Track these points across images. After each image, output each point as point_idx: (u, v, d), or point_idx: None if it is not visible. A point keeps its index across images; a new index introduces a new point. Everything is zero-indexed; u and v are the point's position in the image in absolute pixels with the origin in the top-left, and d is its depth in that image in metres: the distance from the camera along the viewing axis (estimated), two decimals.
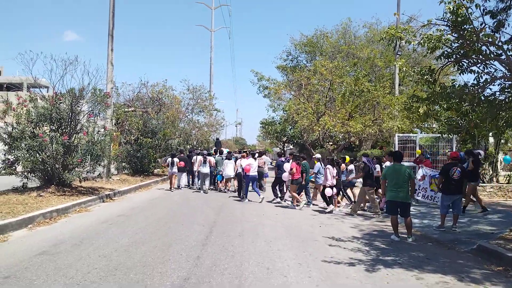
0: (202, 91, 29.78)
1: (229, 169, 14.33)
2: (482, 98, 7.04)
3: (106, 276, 4.76)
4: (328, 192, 10.77)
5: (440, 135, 10.39)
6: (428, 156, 12.75)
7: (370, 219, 9.82)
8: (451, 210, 8.29)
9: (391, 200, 7.41)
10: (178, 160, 15.52)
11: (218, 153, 16.94)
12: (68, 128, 11.07)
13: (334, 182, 11.02)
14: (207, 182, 14.73)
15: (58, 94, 11.08)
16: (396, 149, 14.51)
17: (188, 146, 28.76)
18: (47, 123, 10.85)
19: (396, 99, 17.48)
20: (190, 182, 16.60)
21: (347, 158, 12.29)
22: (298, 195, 11.65)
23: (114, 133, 14.96)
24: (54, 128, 10.94)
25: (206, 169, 14.61)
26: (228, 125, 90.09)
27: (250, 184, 12.67)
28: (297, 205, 11.35)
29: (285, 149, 43.75)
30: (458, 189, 8.17)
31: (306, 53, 30.94)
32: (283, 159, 13.33)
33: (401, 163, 7.68)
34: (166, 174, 20.31)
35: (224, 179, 15.08)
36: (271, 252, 6.13)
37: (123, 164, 18.24)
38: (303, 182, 11.69)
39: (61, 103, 11.05)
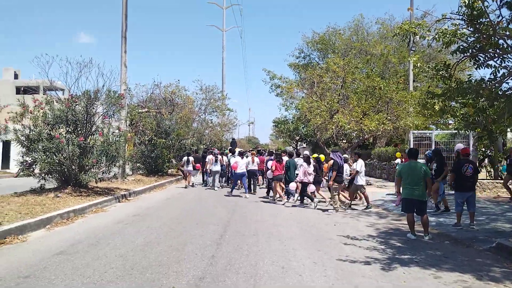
0: (215, 91, 29.95)
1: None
2: (500, 93, 6.89)
3: (123, 276, 4.82)
4: (311, 188, 11.18)
5: (456, 131, 10.19)
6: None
7: (386, 218, 9.73)
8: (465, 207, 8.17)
9: (406, 198, 7.32)
10: (192, 159, 16.53)
11: (231, 152, 17.16)
12: (84, 130, 11.24)
13: (311, 178, 11.31)
14: (217, 179, 15.62)
15: (73, 97, 11.25)
16: (411, 146, 14.31)
17: (202, 146, 28.98)
18: (63, 125, 11.04)
19: (411, 95, 17.25)
20: (204, 180, 17.21)
21: (322, 157, 12.86)
22: (315, 192, 11.77)
23: (129, 134, 15.13)
24: (70, 130, 11.12)
25: (216, 167, 15.57)
26: (241, 124, 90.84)
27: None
28: (279, 201, 11.95)
29: (298, 147, 43.59)
30: (471, 186, 8.04)
31: (319, 50, 30.79)
32: (271, 157, 13.91)
33: (417, 160, 7.58)
34: (180, 174, 20.62)
35: None
36: (285, 251, 6.11)
37: (138, 164, 18.44)
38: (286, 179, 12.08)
39: (76, 105, 11.22)
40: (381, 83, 17.66)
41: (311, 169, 11.39)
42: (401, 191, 7.57)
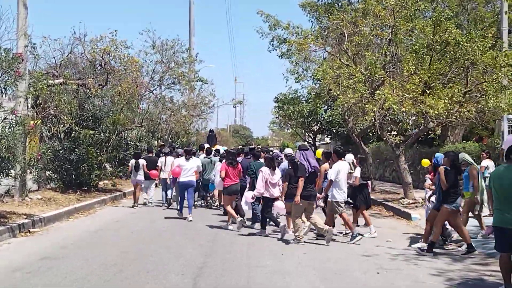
0: (177, 49, 29.78)
1: None
2: None
3: None
4: (278, 207, 11.88)
5: None
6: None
7: (462, 261, 9.76)
8: None
9: (499, 227, 7.36)
10: (145, 163, 16.76)
11: (204, 152, 17.12)
12: None
13: (276, 192, 11.91)
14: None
15: None
16: (506, 139, 14.40)
17: (156, 142, 28.83)
18: None
19: (504, 56, 17.31)
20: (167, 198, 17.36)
21: (318, 152, 13.91)
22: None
23: (32, 122, 14.98)
24: None
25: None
26: (222, 105, 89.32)
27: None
28: (230, 225, 12.77)
29: (317, 143, 43.70)
30: None
31: None
32: (240, 158, 14.52)
33: None
34: (118, 188, 20.56)
35: (217, 191, 15.46)
36: None
37: (48, 173, 18.32)
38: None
39: None
40: (458, 35, 17.68)
41: (276, 177, 12.04)
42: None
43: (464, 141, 23.39)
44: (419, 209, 15.77)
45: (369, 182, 13.61)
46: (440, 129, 23.41)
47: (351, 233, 11.48)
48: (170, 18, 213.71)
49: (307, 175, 11.02)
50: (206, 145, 19.27)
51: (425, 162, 15.45)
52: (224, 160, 13.63)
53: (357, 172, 12.47)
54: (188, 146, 22.99)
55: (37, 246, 10.26)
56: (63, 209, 14.44)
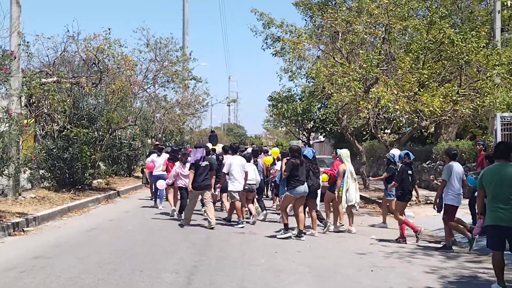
0: (171, 47, 29.75)
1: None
2: None
3: None
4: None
5: None
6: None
7: (456, 258, 9.80)
8: None
9: (492, 225, 7.37)
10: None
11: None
12: None
13: (186, 182, 13.31)
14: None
15: None
16: (499, 138, 14.43)
17: (149, 141, 28.80)
18: None
19: (497, 54, 17.35)
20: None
21: (275, 151, 15.54)
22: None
23: (25, 121, 14.92)
24: None
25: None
26: (216, 103, 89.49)
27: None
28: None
29: (311, 141, 43.76)
30: None
31: None
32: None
33: (509, 161, 7.64)
34: (112, 187, 20.49)
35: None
36: None
37: (41, 172, 18.26)
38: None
39: None
40: (453, 34, 17.72)
41: (186, 170, 13.48)
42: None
43: (458, 139, 23.47)
44: (412, 207, 15.80)
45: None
46: (433, 127, 23.52)
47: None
48: (164, 17, 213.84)
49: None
50: (209, 145, 19.26)
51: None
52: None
53: (278, 166, 14.09)
54: (182, 145, 22.98)
55: (30, 245, 10.23)
56: (57, 208, 14.38)
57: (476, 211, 8.06)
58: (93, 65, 21.49)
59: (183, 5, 37.59)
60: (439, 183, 11.09)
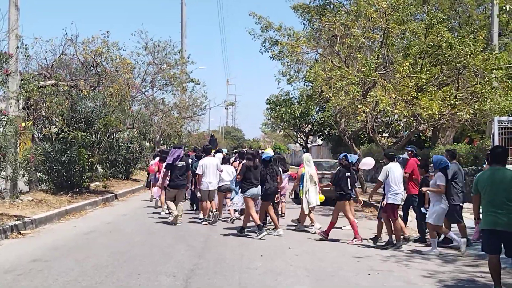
0: (169, 50, 29.77)
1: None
2: None
3: None
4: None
5: None
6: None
7: (453, 262, 9.83)
8: None
9: (488, 229, 7.38)
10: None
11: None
12: None
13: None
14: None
15: None
16: (496, 142, 14.48)
17: (147, 144, 28.78)
18: None
19: (495, 59, 17.40)
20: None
21: (267, 149, 15.85)
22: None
23: (23, 123, 14.93)
24: None
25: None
26: (214, 106, 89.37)
27: None
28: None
29: (308, 144, 43.77)
30: None
31: None
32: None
33: (505, 165, 7.67)
34: (110, 190, 20.49)
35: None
36: None
37: (39, 174, 18.25)
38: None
39: None
40: (451, 38, 17.76)
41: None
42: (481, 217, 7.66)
43: (455, 143, 23.50)
44: (410, 211, 15.78)
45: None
46: (431, 131, 23.55)
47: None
48: (162, 20, 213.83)
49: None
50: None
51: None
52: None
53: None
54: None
55: (28, 248, 10.23)
56: (54, 211, 14.36)
57: (474, 216, 8.05)
58: (91, 68, 21.47)
59: (182, 8, 37.69)
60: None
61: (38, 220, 12.89)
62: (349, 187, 11.99)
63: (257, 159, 12.82)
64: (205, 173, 14.00)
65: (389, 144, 19.45)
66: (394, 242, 11.15)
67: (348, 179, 11.96)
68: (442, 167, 10.76)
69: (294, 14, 30.84)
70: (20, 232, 11.71)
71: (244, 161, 13.55)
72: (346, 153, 12.91)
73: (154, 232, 12.67)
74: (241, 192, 12.52)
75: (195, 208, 16.57)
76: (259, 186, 12.28)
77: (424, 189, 11.17)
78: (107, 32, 20.96)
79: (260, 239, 11.70)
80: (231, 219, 14.20)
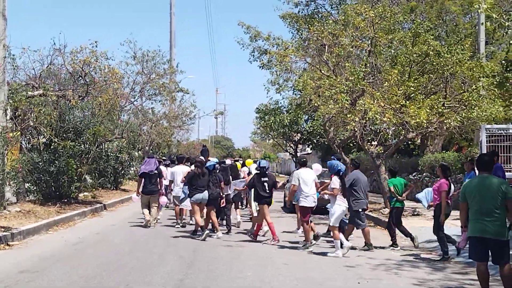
0: (158, 60, 29.78)
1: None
2: None
3: None
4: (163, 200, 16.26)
5: None
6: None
7: (443, 270, 9.87)
8: None
9: (475, 237, 7.42)
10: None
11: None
12: None
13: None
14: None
15: None
16: (484, 149, 14.57)
17: (137, 153, 28.75)
18: None
19: (480, 66, 17.50)
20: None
21: (249, 162, 17.54)
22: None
23: (11, 133, 14.89)
24: None
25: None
26: (203, 116, 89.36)
27: None
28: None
29: (298, 153, 43.88)
30: None
31: None
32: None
33: (491, 173, 7.74)
34: (99, 200, 20.43)
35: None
36: None
37: (27, 185, 18.16)
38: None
39: None
40: (438, 47, 17.88)
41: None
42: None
43: (444, 151, 23.64)
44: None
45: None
46: (419, 139, 23.67)
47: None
48: (151, 29, 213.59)
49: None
50: (202, 158, 19.32)
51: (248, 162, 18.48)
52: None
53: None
54: (170, 157, 23.15)
55: (16, 259, 10.15)
56: (43, 221, 14.27)
57: (461, 224, 8.10)
58: (80, 78, 21.48)
59: (170, 18, 37.80)
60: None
61: (26, 231, 12.80)
62: (267, 192, 12.84)
63: (204, 167, 13.71)
64: (175, 180, 15.30)
65: (378, 152, 19.51)
66: (306, 243, 11.99)
67: (264, 183, 12.85)
68: (335, 172, 11.76)
69: (283, 23, 30.91)
70: (7, 244, 11.61)
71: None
72: (261, 161, 14.43)
73: (143, 242, 12.63)
74: (188, 197, 13.35)
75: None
76: (206, 192, 13.27)
77: (322, 192, 12.46)
78: (96, 42, 20.95)
79: (203, 240, 12.60)
80: (182, 223, 15.27)
